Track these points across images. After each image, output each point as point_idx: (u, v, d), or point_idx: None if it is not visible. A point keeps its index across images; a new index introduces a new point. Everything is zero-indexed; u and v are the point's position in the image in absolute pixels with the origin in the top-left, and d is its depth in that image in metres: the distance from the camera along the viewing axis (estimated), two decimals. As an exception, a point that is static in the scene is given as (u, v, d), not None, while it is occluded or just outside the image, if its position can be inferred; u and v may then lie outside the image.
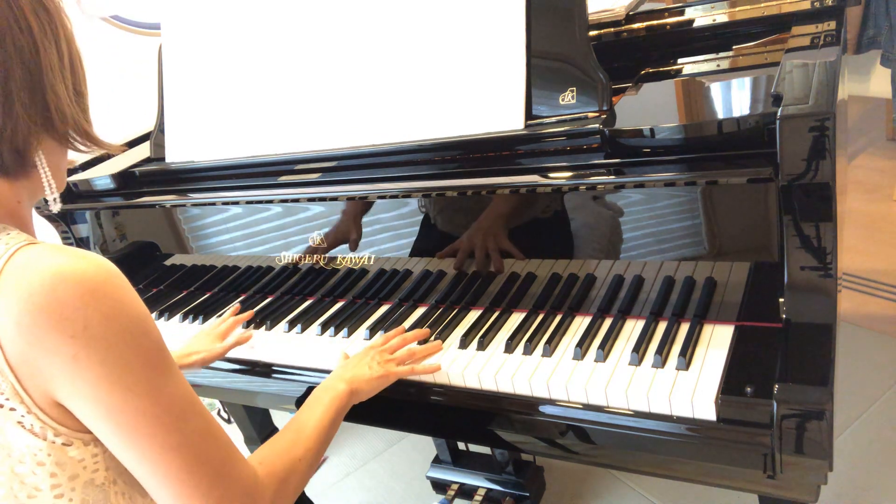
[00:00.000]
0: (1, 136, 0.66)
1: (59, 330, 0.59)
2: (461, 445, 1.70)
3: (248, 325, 1.31)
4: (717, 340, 0.95)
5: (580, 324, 1.06)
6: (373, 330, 1.17)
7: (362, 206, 1.20)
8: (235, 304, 1.34)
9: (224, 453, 0.69)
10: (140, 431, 0.64)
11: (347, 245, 1.25)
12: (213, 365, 1.28)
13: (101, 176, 1.48)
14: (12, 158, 0.68)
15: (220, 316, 1.36)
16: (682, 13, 1.24)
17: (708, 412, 0.85)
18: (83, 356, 0.60)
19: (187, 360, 1.16)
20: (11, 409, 0.63)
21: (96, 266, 0.62)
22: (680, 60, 1.22)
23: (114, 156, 1.64)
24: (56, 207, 0.73)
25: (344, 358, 1.08)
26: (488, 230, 1.11)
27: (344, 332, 1.20)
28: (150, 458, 0.65)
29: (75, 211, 1.54)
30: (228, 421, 2.34)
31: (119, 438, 0.64)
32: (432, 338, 1.11)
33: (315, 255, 1.29)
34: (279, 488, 0.76)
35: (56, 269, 0.60)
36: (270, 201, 1.28)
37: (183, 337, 1.34)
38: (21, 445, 0.64)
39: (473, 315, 1.16)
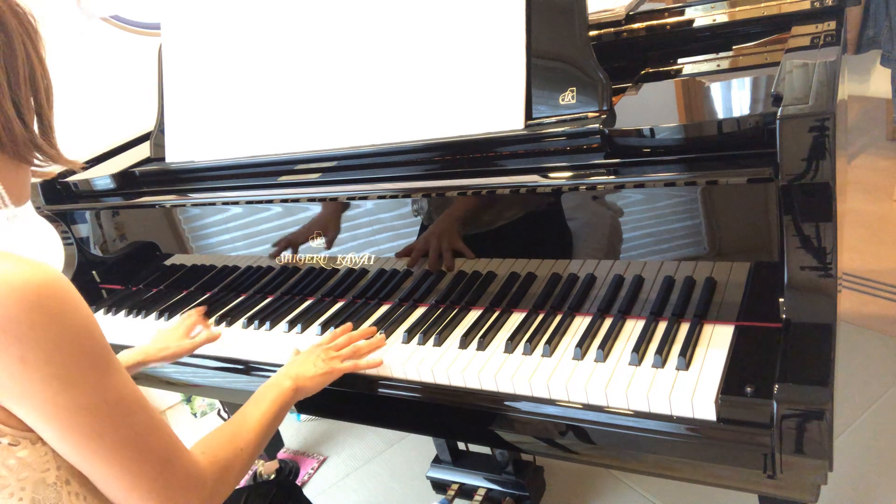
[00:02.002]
0: None
1: (6, 332, 0.61)
2: (461, 445, 1.70)
3: (250, 323, 1.31)
4: (717, 340, 0.95)
5: (580, 324, 1.06)
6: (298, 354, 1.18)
7: (340, 204, 1.21)
8: (201, 307, 1.34)
9: (168, 444, 0.73)
10: (88, 428, 0.66)
11: (324, 243, 1.26)
12: (212, 365, 1.28)
13: (101, 176, 1.48)
14: None
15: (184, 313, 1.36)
16: (682, 13, 1.24)
17: (708, 412, 0.85)
18: (30, 357, 0.62)
19: (158, 354, 1.19)
20: None
21: (42, 273, 0.64)
22: (680, 60, 1.22)
23: (114, 154, 1.64)
24: (11, 223, 0.74)
25: (294, 354, 1.12)
26: (488, 234, 1.11)
27: (344, 332, 1.20)
28: (98, 454, 0.67)
29: (75, 211, 1.54)
30: (228, 421, 2.34)
31: (67, 437, 0.66)
32: (380, 336, 1.14)
33: (315, 256, 1.29)
34: (220, 475, 0.80)
35: (2, 277, 0.61)
36: (270, 201, 1.28)
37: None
38: None
39: (473, 315, 1.16)
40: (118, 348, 1.19)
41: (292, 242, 1.30)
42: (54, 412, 0.64)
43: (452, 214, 1.12)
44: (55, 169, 0.78)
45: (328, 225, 1.25)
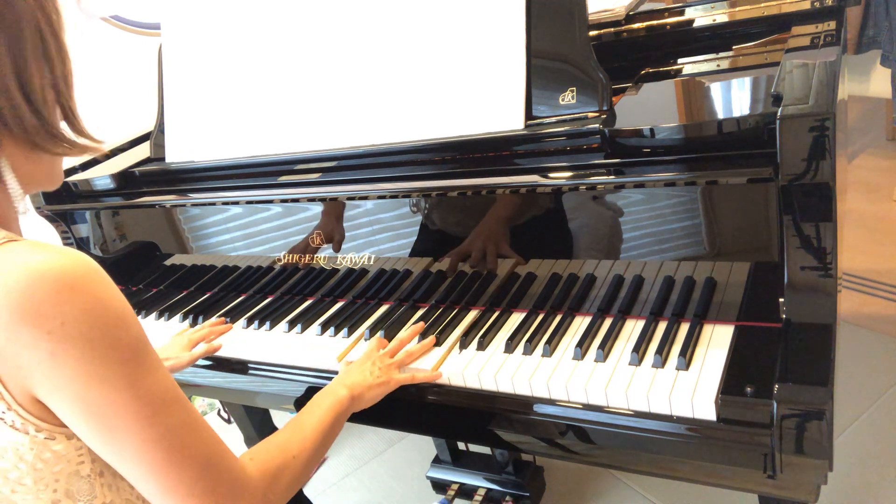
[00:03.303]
0: None
1: (37, 326, 0.59)
2: (461, 445, 1.70)
3: (250, 323, 1.31)
4: (717, 340, 0.95)
5: (580, 324, 1.06)
6: (373, 330, 1.17)
7: (340, 204, 1.21)
8: (220, 319, 1.33)
9: (209, 447, 0.69)
10: (120, 426, 0.63)
11: (331, 246, 1.25)
12: (212, 365, 1.28)
13: (101, 176, 1.48)
14: None
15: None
16: (682, 13, 1.24)
17: (708, 412, 0.85)
18: (60, 352, 0.60)
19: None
20: None
21: (74, 262, 0.62)
22: (680, 60, 1.22)
23: (114, 154, 1.64)
24: (25, 214, 0.71)
25: (346, 365, 1.08)
26: (489, 233, 1.11)
27: (344, 331, 1.20)
28: (131, 453, 0.65)
29: (75, 211, 1.54)
30: (228, 421, 2.34)
31: (100, 434, 0.64)
32: (430, 337, 1.11)
33: (315, 255, 1.29)
34: (270, 483, 0.76)
35: (33, 266, 0.60)
36: (270, 201, 1.28)
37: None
38: (3, 441, 0.64)
39: (473, 315, 1.16)
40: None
41: (292, 243, 1.30)
42: (85, 407, 0.62)
43: (496, 214, 1.09)
44: (80, 152, 0.73)
45: (330, 226, 1.25)
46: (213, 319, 1.34)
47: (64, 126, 0.72)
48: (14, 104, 0.66)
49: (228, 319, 1.34)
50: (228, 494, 0.69)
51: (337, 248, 1.25)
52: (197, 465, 0.67)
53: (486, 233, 1.12)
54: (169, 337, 1.27)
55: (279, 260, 1.33)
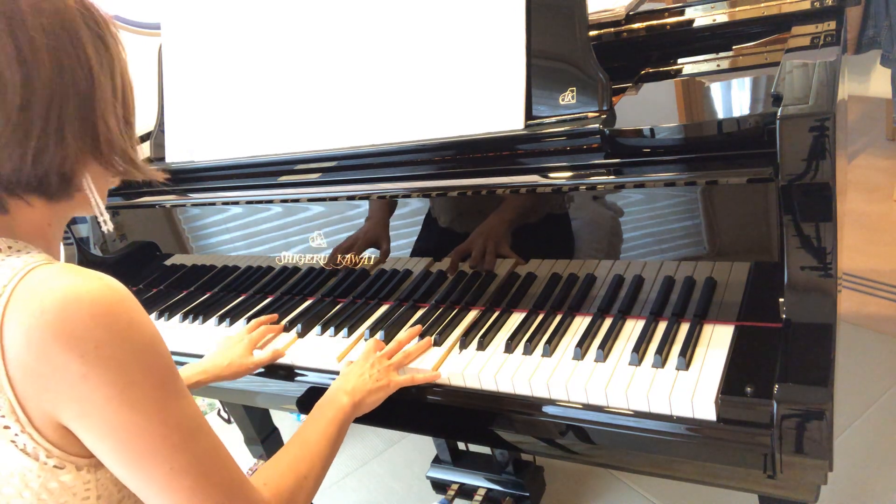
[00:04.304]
0: (51, 161, 0.67)
1: (70, 348, 0.59)
2: (461, 445, 1.70)
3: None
4: (717, 340, 0.95)
5: (580, 324, 1.06)
6: (373, 330, 1.17)
7: (389, 208, 1.18)
8: (272, 316, 1.29)
9: (232, 475, 0.69)
10: (148, 452, 0.64)
11: (325, 243, 1.25)
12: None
13: (101, 176, 1.48)
14: (58, 182, 0.69)
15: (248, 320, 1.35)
16: (682, 13, 1.24)
17: (708, 412, 0.85)
18: (93, 376, 0.60)
19: (220, 371, 1.13)
20: (6, 427, 0.62)
21: (109, 288, 0.63)
22: (680, 60, 1.22)
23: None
24: (108, 227, 0.76)
25: (347, 366, 1.07)
26: (489, 233, 1.11)
27: (344, 331, 1.20)
28: (157, 480, 0.65)
29: (75, 211, 1.54)
30: (228, 421, 2.34)
31: (126, 459, 0.64)
32: (427, 338, 1.11)
33: (315, 255, 1.29)
34: None
35: (69, 289, 0.61)
36: (270, 201, 1.28)
37: (182, 336, 1.34)
38: (11, 465, 0.64)
39: (473, 315, 1.16)
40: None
41: (292, 243, 1.30)
42: (112, 432, 0.63)
43: (502, 216, 1.09)
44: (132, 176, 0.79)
45: (328, 225, 1.25)
46: (264, 318, 1.28)
47: None
48: (109, 127, 0.71)
49: (228, 320, 1.34)
50: None
51: (384, 257, 1.22)
52: (221, 494, 0.67)
53: (486, 233, 1.12)
54: (181, 335, 1.25)
55: (280, 259, 1.33)
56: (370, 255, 1.23)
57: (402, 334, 1.12)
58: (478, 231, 1.12)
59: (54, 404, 0.62)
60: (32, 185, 0.68)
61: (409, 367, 1.07)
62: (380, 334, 1.15)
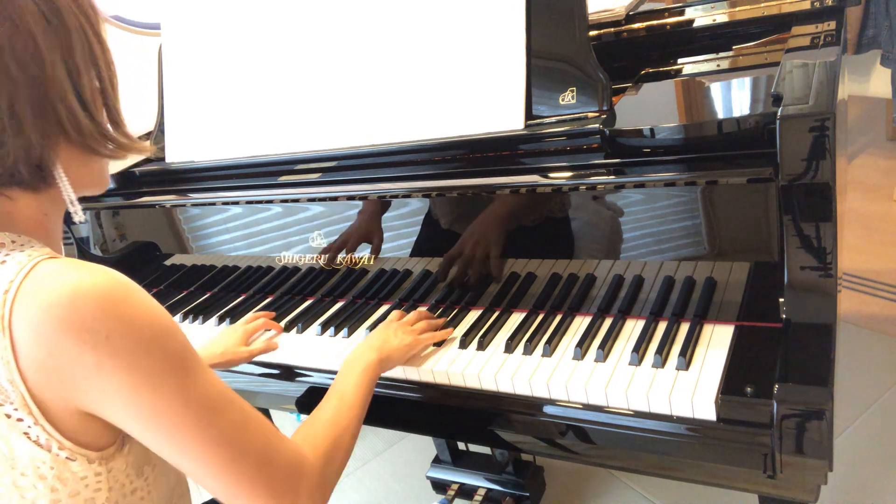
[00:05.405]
0: (16, 154, 0.65)
1: (82, 340, 0.60)
2: (461, 445, 1.70)
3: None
4: (717, 340, 0.95)
5: (580, 324, 1.06)
6: (373, 330, 1.17)
7: (382, 204, 1.19)
8: (269, 313, 1.30)
9: (265, 438, 0.70)
10: (175, 431, 0.65)
11: (325, 243, 1.25)
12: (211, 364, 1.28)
13: (101, 176, 1.47)
14: (31, 173, 0.67)
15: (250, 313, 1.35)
16: (682, 13, 1.24)
17: (708, 412, 0.85)
18: (108, 365, 0.61)
19: (214, 359, 1.14)
20: (19, 420, 0.63)
21: (115, 278, 0.63)
22: (680, 60, 1.22)
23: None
24: (79, 218, 0.72)
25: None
26: (489, 233, 1.11)
27: (344, 331, 1.20)
28: (190, 455, 0.66)
29: (75, 211, 1.54)
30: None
31: (156, 439, 0.65)
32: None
33: (315, 255, 1.29)
34: (327, 461, 0.77)
35: (76, 283, 0.61)
36: (270, 201, 1.28)
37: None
38: (25, 457, 0.64)
39: (473, 315, 1.16)
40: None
41: (292, 243, 1.30)
42: (139, 416, 0.63)
43: (494, 213, 1.10)
44: (125, 154, 0.75)
45: (328, 225, 1.25)
46: (262, 312, 1.29)
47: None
48: (70, 109, 0.67)
49: (229, 320, 1.34)
50: (290, 479, 0.71)
51: (377, 252, 1.23)
52: (256, 459, 0.68)
53: (486, 233, 1.12)
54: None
55: (280, 259, 1.33)
56: (370, 254, 1.23)
57: (425, 312, 1.14)
58: (478, 231, 1.12)
59: (73, 393, 0.62)
60: (4, 179, 0.67)
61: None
62: (395, 312, 1.16)
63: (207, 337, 1.30)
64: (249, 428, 0.69)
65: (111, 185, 1.47)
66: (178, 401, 0.64)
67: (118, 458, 0.68)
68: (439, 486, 1.65)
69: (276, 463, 0.70)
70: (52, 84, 0.65)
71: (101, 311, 0.60)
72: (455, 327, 1.14)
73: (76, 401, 0.63)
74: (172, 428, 0.64)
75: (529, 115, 1.07)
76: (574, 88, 1.05)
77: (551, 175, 1.02)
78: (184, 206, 1.39)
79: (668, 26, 1.24)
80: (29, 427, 0.63)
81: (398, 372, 1.08)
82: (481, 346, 1.06)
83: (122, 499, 0.69)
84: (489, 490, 1.57)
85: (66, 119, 0.67)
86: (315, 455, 0.76)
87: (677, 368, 0.91)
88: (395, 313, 1.14)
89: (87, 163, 0.72)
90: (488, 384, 1.01)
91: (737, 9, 1.20)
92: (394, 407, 1.11)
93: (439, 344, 1.10)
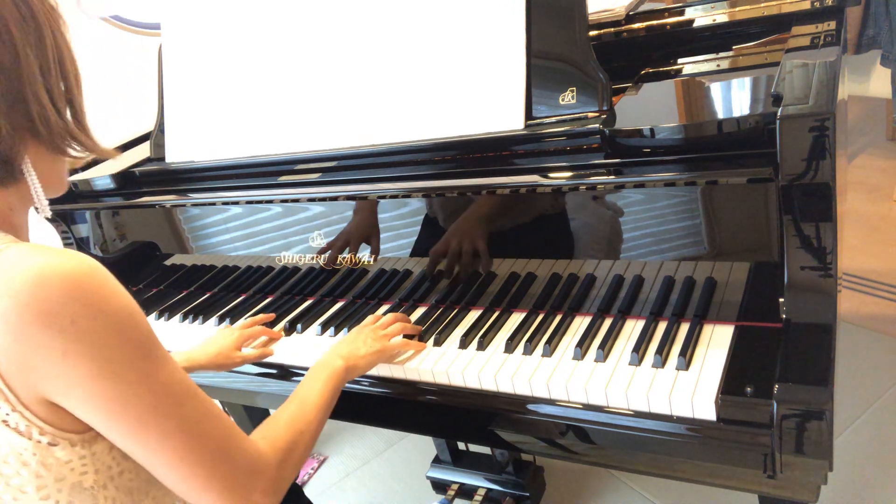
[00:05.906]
0: None
1: (47, 325, 0.59)
2: (461, 445, 1.70)
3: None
4: (717, 340, 0.95)
5: (580, 324, 1.06)
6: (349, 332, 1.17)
7: (372, 206, 1.20)
8: (268, 316, 1.30)
9: (224, 433, 0.71)
10: (137, 420, 0.64)
11: (325, 243, 1.25)
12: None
13: (101, 176, 1.48)
14: None
15: (247, 317, 1.35)
16: (682, 13, 1.24)
17: (708, 412, 0.85)
18: (72, 351, 0.60)
19: (206, 361, 1.13)
20: None
21: (79, 262, 0.62)
22: (680, 60, 1.22)
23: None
24: (45, 213, 0.72)
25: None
26: (489, 233, 1.11)
27: (344, 331, 1.20)
28: (151, 446, 0.66)
29: (75, 211, 1.54)
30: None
31: (118, 429, 0.65)
32: (427, 339, 1.12)
33: (315, 255, 1.29)
34: (283, 459, 0.78)
35: (40, 267, 0.60)
36: (270, 201, 1.28)
37: (182, 336, 1.34)
38: (6, 445, 0.64)
39: (473, 315, 1.16)
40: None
41: (292, 243, 1.30)
42: (101, 404, 0.63)
43: (477, 212, 1.11)
44: (87, 156, 0.76)
45: (328, 225, 1.25)
46: (259, 317, 1.28)
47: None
48: (41, 104, 0.67)
49: (229, 320, 1.34)
50: (246, 474, 0.72)
51: (375, 252, 1.23)
52: (215, 452, 0.69)
53: (486, 233, 1.12)
54: (182, 336, 1.25)
55: (280, 259, 1.33)
56: (370, 254, 1.23)
57: (400, 315, 1.15)
58: (477, 231, 1.12)
59: (40, 382, 0.62)
60: None
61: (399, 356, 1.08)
62: (370, 316, 1.17)
63: (206, 337, 1.30)
64: (209, 421, 0.69)
65: (111, 185, 1.47)
66: (142, 388, 0.64)
67: (101, 440, 0.68)
68: (439, 486, 1.65)
69: (234, 457, 0.71)
70: (26, 77, 0.66)
71: (64, 294, 0.60)
72: (455, 327, 1.14)
73: (44, 390, 0.63)
74: (133, 416, 0.64)
75: (529, 115, 1.07)
76: (574, 88, 1.05)
77: (551, 175, 1.02)
78: (184, 206, 1.39)
79: (668, 26, 1.24)
80: (7, 414, 0.63)
81: (398, 372, 1.08)
82: (481, 346, 1.06)
83: (110, 481, 0.69)
84: (489, 490, 1.57)
85: (36, 115, 0.68)
86: (273, 453, 0.77)
87: (677, 368, 0.91)
88: (370, 317, 1.15)
89: (52, 163, 0.73)
90: (488, 384, 1.01)
91: (737, 9, 1.20)
92: (394, 407, 1.11)
93: (439, 343, 1.10)
